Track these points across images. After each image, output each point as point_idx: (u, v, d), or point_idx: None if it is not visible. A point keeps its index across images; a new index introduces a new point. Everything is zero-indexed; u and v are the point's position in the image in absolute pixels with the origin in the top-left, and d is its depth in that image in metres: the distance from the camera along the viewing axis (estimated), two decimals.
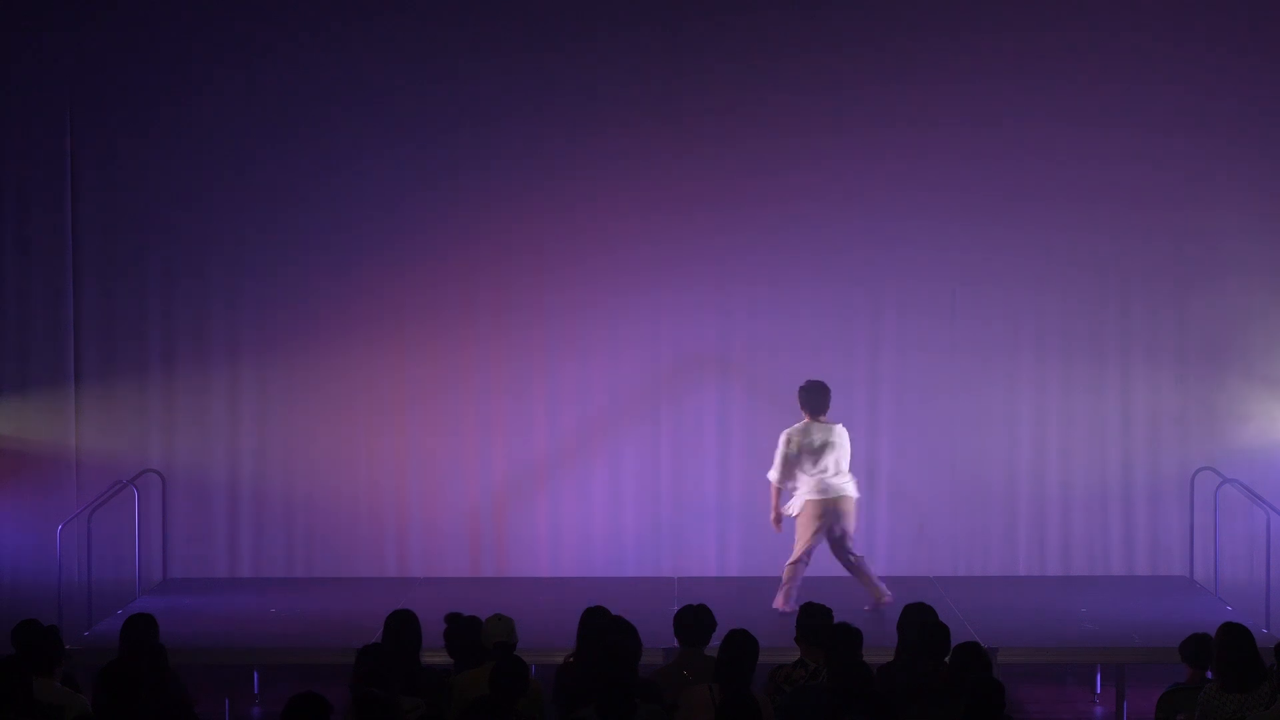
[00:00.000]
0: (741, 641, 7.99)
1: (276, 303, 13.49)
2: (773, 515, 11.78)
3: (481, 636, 8.62)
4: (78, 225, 13.52)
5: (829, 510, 11.59)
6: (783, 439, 11.67)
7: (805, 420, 11.70)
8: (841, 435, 11.72)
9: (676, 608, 8.74)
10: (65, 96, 13.46)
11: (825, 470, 11.62)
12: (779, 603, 11.59)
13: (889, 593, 11.70)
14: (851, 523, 11.70)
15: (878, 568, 13.39)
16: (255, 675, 11.63)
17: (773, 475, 11.70)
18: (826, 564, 13.23)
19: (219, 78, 13.42)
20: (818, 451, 11.62)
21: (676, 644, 8.62)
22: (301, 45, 13.41)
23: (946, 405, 13.43)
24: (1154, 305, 13.39)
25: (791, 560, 11.67)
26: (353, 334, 13.48)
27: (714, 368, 13.53)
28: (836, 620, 8.44)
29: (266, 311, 13.49)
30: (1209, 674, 8.33)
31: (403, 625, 8.59)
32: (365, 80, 13.38)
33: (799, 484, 11.67)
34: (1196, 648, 8.45)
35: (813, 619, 8.53)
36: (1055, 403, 13.46)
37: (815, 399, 11.71)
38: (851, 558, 11.74)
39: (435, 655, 9.16)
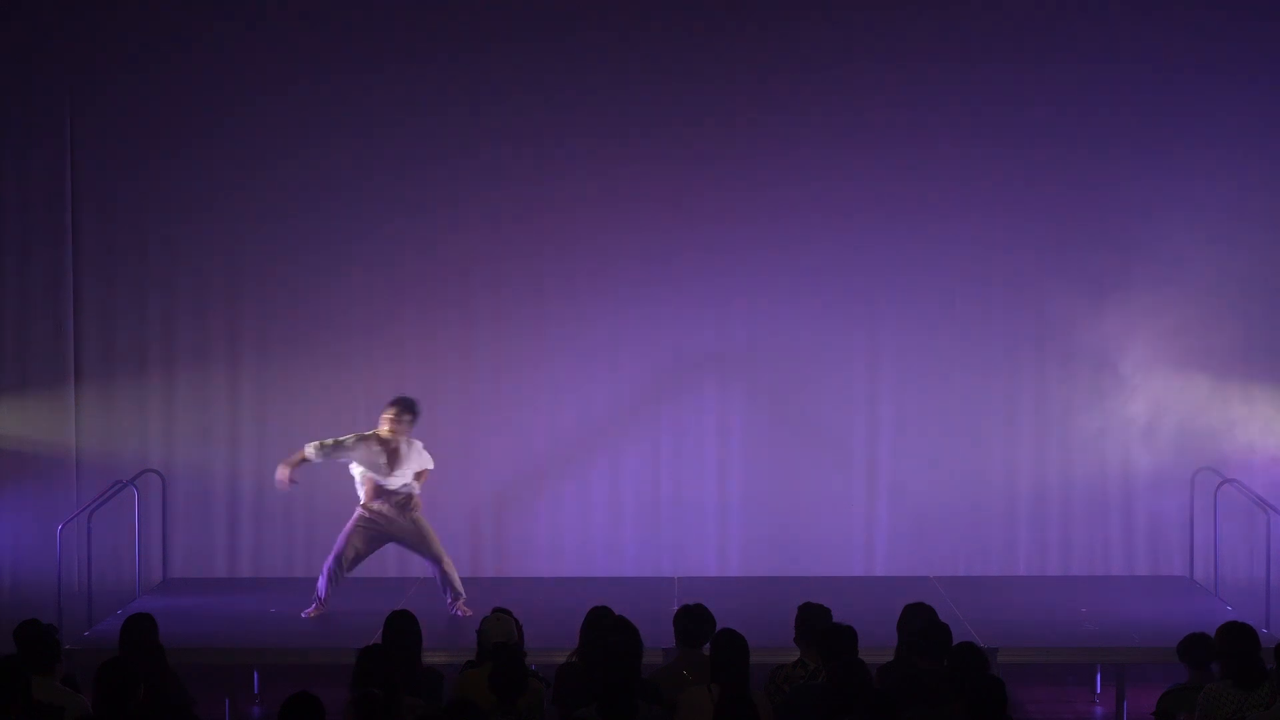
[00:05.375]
0: (730, 641, 7.99)
1: (276, 303, 13.50)
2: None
3: (480, 636, 8.62)
4: (78, 225, 13.52)
5: None
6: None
7: None
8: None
9: (676, 608, 8.74)
10: (65, 96, 13.47)
11: None
12: None
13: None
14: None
15: (878, 567, 13.45)
16: (255, 675, 11.63)
17: None
18: (826, 564, 13.27)
19: (219, 78, 13.42)
20: None
21: (676, 644, 8.61)
22: (302, 47, 13.41)
23: (946, 405, 13.44)
24: (1154, 305, 13.38)
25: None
26: (352, 334, 13.49)
27: (714, 369, 13.53)
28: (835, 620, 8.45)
29: (266, 311, 13.51)
30: (1210, 672, 8.32)
31: (403, 625, 8.59)
32: (365, 82, 13.38)
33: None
34: (1193, 646, 8.45)
35: (812, 619, 8.53)
36: (1055, 402, 13.46)
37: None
38: None
39: (435, 655, 9.17)
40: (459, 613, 11.63)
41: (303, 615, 11.62)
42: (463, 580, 13.20)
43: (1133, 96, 13.34)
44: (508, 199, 13.44)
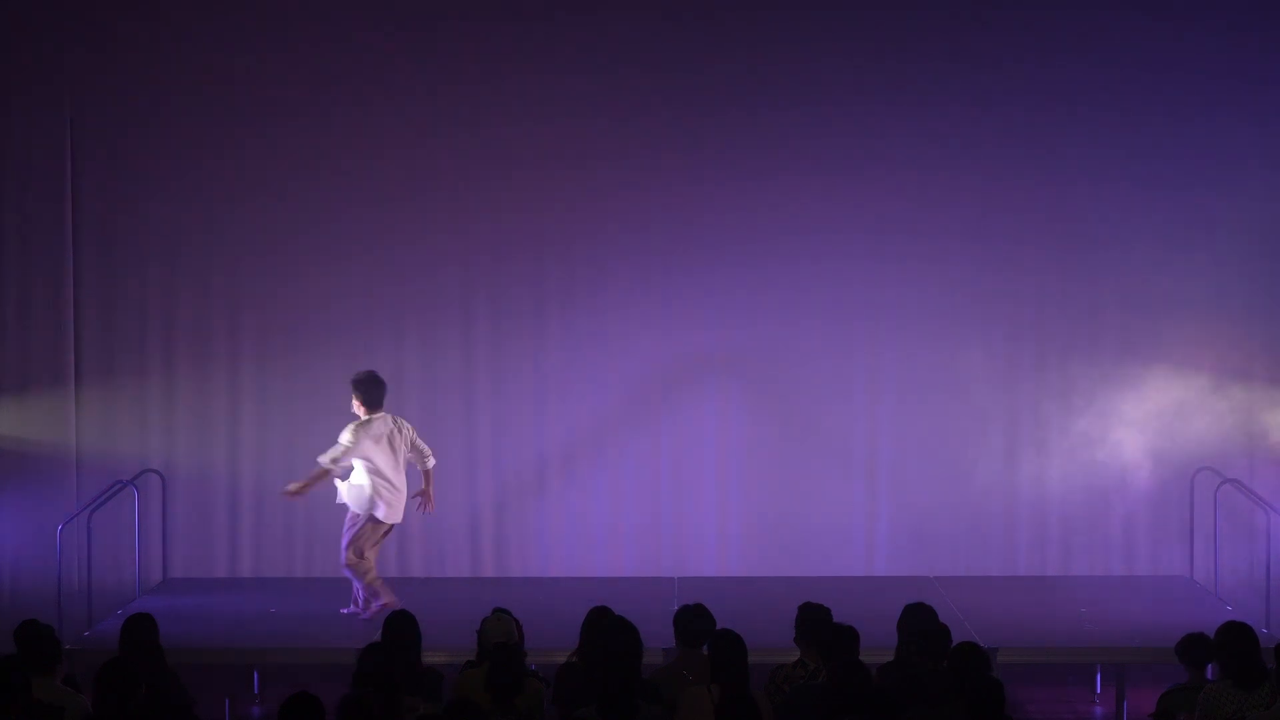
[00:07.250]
0: (728, 641, 8.00)
1: (276, 303, 13.50)
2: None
3: (480, 636, 8.63)
4: (78, 225, 13.52)
5: None
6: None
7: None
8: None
9: (676, 608, 8.75)
10: (65, 96, 13.47)
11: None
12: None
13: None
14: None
15: (878, 567, 13.45)
16: (255, 675, 11.63)
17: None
18: (826, 564, 13.27)
19: (219, 78, 13.41)
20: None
21: (676, 644, 8.61)
22: (302, 46, 13.40)
23: (947, 405, 13.43)
24: (1154, 305, 13.38)
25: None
26: (352, 334, 13.48)
27: (714, 368, 13.53)
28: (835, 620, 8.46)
29: (266, 311, 13.50)
30: (1209, 674, 8.33)
31: (402, 625, 8.59)
32: (365, 80, 13.38)
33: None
34: (1192, 646, 8.46)
35: (812, 619, 8.53)
36: (1055, 403, 13.45)
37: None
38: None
39: (435, 655, 9.17)
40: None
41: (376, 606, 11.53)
42: (463, 580, 13.28)
43: (1133, 102, 13.32)
44: (508, 201, 13.43)
